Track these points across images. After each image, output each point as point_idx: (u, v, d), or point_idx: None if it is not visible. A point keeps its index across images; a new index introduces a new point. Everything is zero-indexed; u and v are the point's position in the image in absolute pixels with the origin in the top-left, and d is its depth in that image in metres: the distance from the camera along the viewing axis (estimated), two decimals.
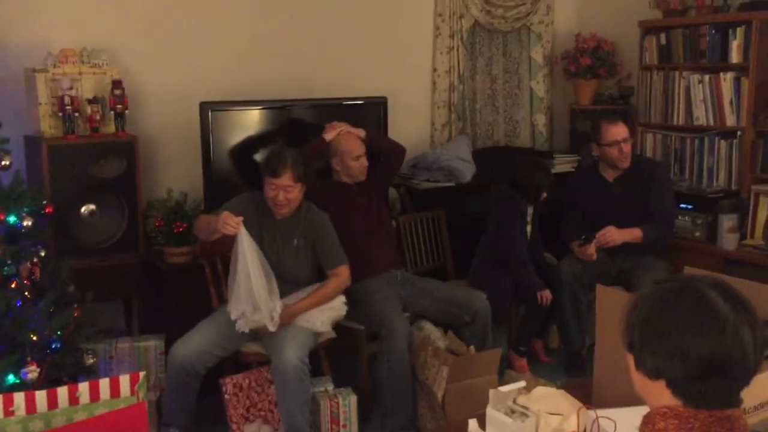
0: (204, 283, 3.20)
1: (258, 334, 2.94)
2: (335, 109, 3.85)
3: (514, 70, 4.86)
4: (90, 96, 3.33)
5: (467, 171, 4.25)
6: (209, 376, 2.93)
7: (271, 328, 2.86)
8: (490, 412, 2.16)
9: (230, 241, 2.93)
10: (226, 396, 2.88)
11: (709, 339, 1.17)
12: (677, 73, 4.17)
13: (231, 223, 2.83)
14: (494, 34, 4.74)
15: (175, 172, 3.73)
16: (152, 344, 3.23)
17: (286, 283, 3.01)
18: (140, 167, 3.41)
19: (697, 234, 4.00)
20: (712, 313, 1.18)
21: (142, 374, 2.22)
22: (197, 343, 2.88)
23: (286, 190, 2.99)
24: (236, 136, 3.67)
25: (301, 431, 2.79)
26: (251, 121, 3.73)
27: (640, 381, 1.27)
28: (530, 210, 3.74)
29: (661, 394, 1.23)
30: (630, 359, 1.27)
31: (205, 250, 3.20)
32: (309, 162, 3.16)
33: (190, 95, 3.59)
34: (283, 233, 3.10)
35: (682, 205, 4.05)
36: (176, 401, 2.91)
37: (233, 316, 2.87)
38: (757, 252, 3.73)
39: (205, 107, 3.49)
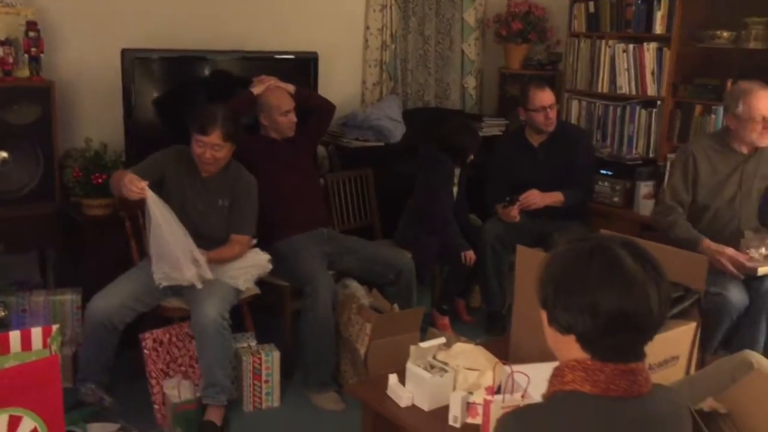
0: (124, 236, 3.11)
1: (179, 289, 2.89)
2: (265, 63, 3.77)
3: (447, 32, 4.86)
4: (2, 37, 3.14)
5: (397, 131, 4.26)
6: (128, 330, 2.87)
7: (199, 285, 2.81)
8: (410, 367, 2.21)
9: None
10: (145, 351, 2.83)
11: (618, 295, 1.22)
12: (603, 41, 4.26)
13: (134, 189, 2.73)
14: None
15: (95, 121, 3.58)
16: (68, 298, 3.14)
17: (209, 242, 2.96)
18: (56, 114, 3.26)
19: (616, 199, 4.14)
20: (621, 271, 1.23)
21: (55, 327, 2.16)
22: (117, 298, 2.81)
23: (213, 149, 2.92)
24: (160, 86, 3.55)
25: (221, 386, 2.78)
26: (177, 70, 3.61)
27: (552, 336, 1.32)
28: (457, 172, 3.79)
29: (571, 349, 1.28)
30: (543, 315, 1.32)
31: (124, 203, 3.11)
32: (239, 120, 3.07)
33: (113, 41, 3.44)
34: (209, 192, 3.04)
35: (603, 171, 4.17)
36: (93, 356, 2.85)
37: (157, 278, 2.80)
38: None
39: (127, 54, 3.35)
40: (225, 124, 2.91)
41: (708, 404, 1.73)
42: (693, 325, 2.21)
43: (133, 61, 3.36)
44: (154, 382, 2.85)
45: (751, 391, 1.73)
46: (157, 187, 2.86)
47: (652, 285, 1.23)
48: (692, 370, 2.24)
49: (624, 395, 1.24)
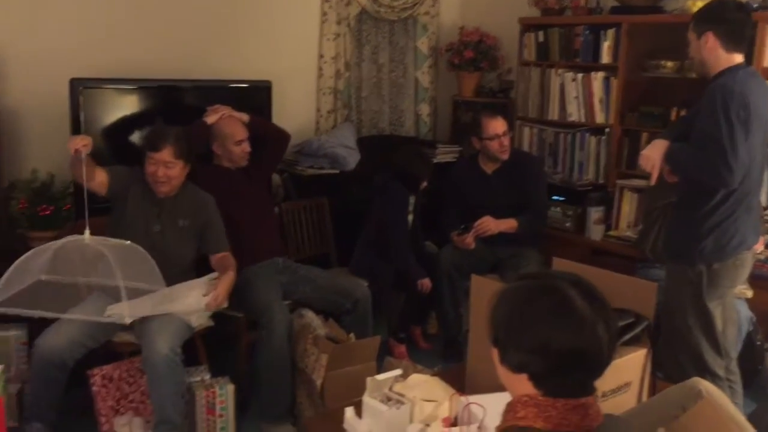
0: None
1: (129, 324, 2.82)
2: (218, 92, 3.74)
3: (400, 60, 4.91)
4: None
5: (351, 159, 4.26)
6: (76, 366, 2.78)
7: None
8: (367, 400, 2.19)
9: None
10: (95, 388, 2.76)
11: (568, 335, 1.24)
12: (553, 70, 4.35)
13: (79, 140, 2.71)
14: (381, 23, 4.76)
15: (42, 152, 3.50)
16: (12, 334, 3.04)
17: (170, 265, 2.87)
18: (2, 144, 3.18)
19: (568, 225, 4.20)
20: (571, 311, 1.25)
21: None
22: (66, 334, 2.72)
23: (166, 166, 2.93)
24: (110, 116, 3.49)
25: (172, 423, 2.71)
26: (127, 100, 3.56)
27: (504, 373, 1.32)
28: (412, 200, 3.80)
29: (523, 385, 1.29)
30: (495, 353, 1.33)
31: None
32: (192, 141, 3.09)
33: (61, 70, 3.37)
34: (168, 214, 3.01)
35: (555, 197, 4.24)
36: (41, 395, 2.74)
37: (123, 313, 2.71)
38: (620, 242, 3.97)
39: (75, 84, 3.30)
40: (177, 142, 2.94)
41: None
42: (644, 351, 2.25)
43: (82, 91, 3.31)
44: (103, 419, 2.77)
45: (701, 421, 1.76)
46: (120, 201, 2.94)
47: (601, 323, 1.25)
48: (644, 396, 2.27)
49: (576, 430, 1.25)
